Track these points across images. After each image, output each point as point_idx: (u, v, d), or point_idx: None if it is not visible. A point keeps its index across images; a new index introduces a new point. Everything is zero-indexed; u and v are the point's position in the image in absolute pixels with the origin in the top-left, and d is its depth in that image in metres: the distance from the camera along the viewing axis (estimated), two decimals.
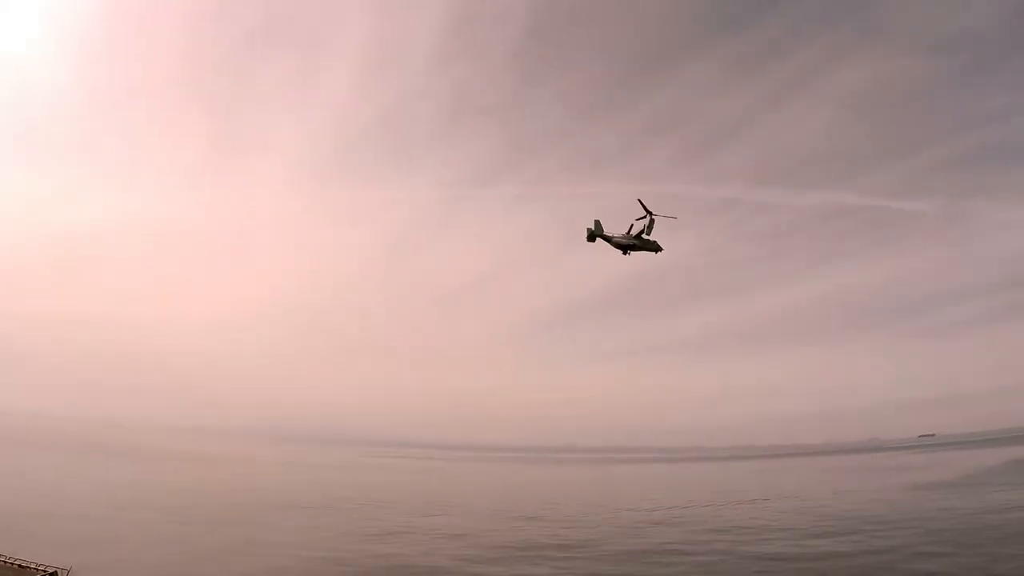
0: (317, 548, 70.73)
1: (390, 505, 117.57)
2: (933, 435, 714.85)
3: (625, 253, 61.26)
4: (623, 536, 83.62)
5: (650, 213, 60.00)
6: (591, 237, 60.41)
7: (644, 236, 60.65)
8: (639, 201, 59.71)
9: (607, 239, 60.59)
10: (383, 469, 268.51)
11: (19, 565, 41.03)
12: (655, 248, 61.61)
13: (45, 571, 41.01)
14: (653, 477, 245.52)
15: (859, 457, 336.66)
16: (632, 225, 61.02)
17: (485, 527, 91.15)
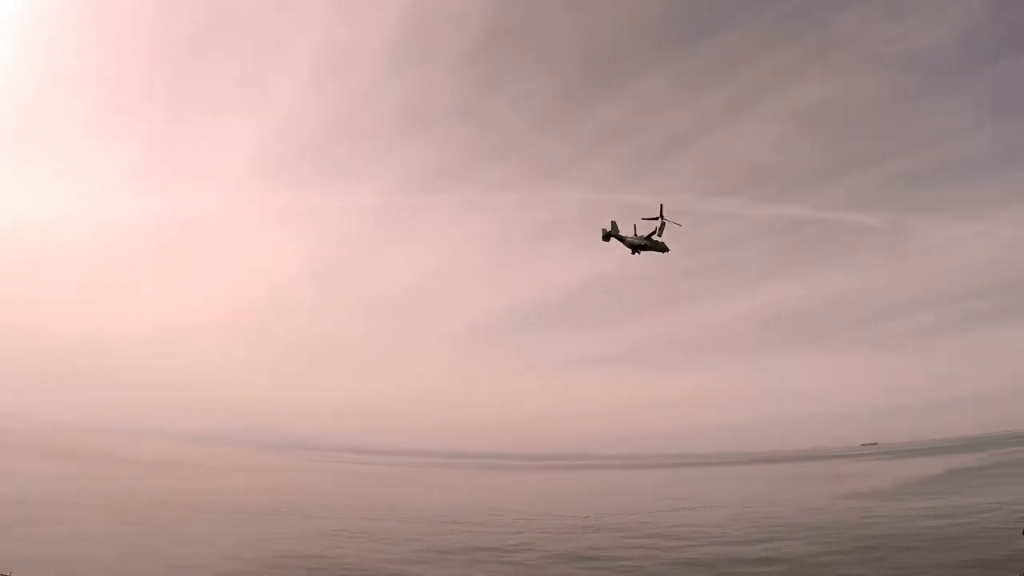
0: (244, 549, 70.31)
1: (329, 509, 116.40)
2: (876, 444, 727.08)
3: (634, 253, 63.68)
4: (554, 540, 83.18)
5: (663, 218, 62.43)
6: (606, 237, 62.47)
7: (654, 238, 63.13)
8: (660, 206, 62.44)
9: (620, 238, 62.78)
10: (328, 474, 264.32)
11: None
12: (663, 248, 64.03)
13: None
14: (593, 484, 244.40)
15: (802, 465, 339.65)
16: (635, 227, 63.45)
17: (423, 531, 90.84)
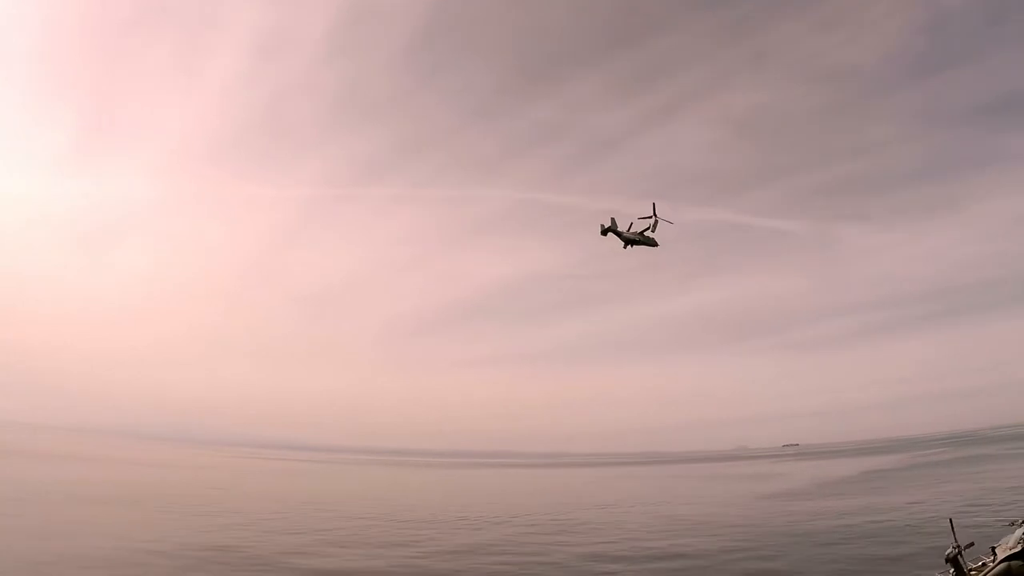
0: (138, 539, 68.88)
1: (235, 503, 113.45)
2: (797, 445, 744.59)
3: (625, 247, 66.10)
4: (462, 535, 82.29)
5: (656, 216, 65.12)
6: (604, 232, 64.81)
7: (647, 234, 65.62)
8: (653, 205, 65.51)
9: (618, 233, 65.10)
10: (243, 470, 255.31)
11: None
12: (654, 244, 66.56)
13: None
14: (513, 481, 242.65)
15: (724, 465, 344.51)
16: (632, 224, 65.65)
17: (326, 526, 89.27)
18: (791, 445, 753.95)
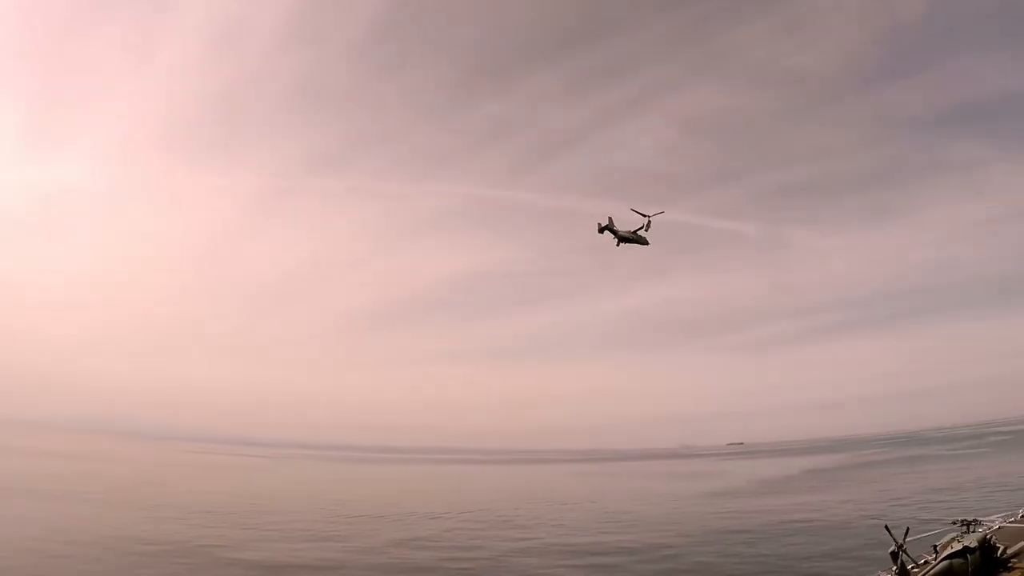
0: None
1: (170, 498, 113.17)
2: (742, 444, 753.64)
3: (618, 244, 66.73)
4: (398, 529, 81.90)
5: (648, 216, 66.04)
6: (601, 230, 65.51)
7: (640, 232, 66.46)
8: (635, 211, 66.97)
9: (613, 231, 65.84)
10: (185, 466, 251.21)
11: None
12: (645, 242, 67.54)
13: None
14: (460, 477, 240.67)
15: (669, 463, 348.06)
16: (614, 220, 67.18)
17: (259, 521, 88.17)
18: (736, 444, 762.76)
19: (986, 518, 30.18)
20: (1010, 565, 25.94)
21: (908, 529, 25.76)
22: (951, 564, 24.32)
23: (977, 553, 24.92)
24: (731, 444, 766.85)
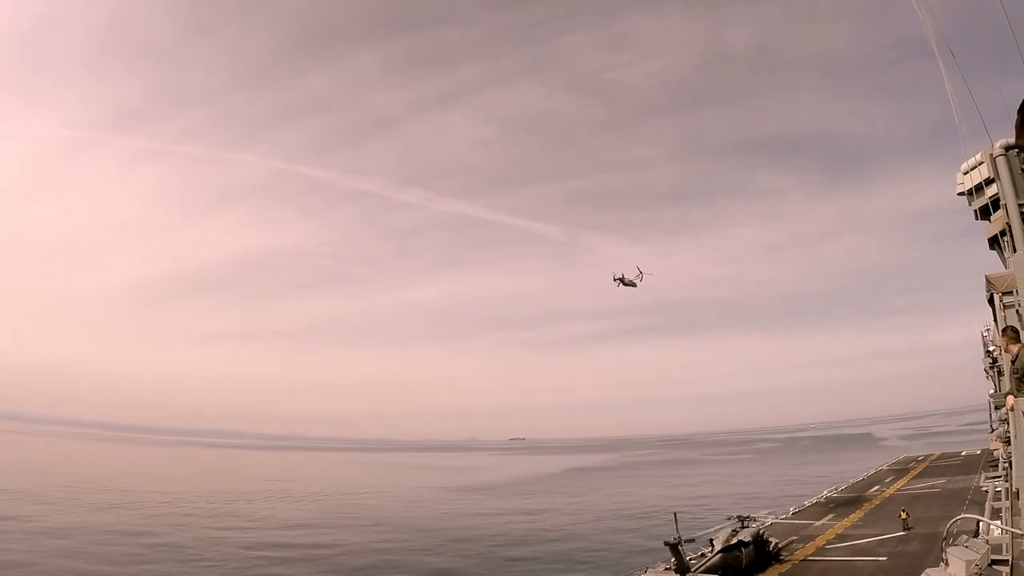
0: None
1: None
2: (523, 439, 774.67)
3: (618, 286, 76.77)
4: (103, 516, 75.03)
5: (642, 273, 77.51)
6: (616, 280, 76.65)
7: (635, 280, 76.86)
8: (638, 267, 77.93)
9: (624, 282, 76.62)
10: None
11: None
12: (635, 285, 77.26)
13: None
14: (208, 463, 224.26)
15: (441, 455, 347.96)
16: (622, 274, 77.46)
17: None
18: (517, 439, 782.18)
19: (759, 514, 32.25)
20: (781, 558, 28.98)
21: (676, 514, 26.86)
22: (726, 557, 25.60)
23: (751, 546, 26.80)
24: (513, 439, 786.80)
